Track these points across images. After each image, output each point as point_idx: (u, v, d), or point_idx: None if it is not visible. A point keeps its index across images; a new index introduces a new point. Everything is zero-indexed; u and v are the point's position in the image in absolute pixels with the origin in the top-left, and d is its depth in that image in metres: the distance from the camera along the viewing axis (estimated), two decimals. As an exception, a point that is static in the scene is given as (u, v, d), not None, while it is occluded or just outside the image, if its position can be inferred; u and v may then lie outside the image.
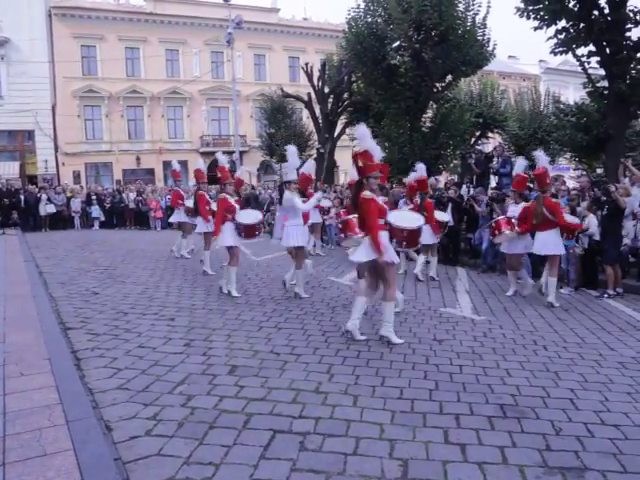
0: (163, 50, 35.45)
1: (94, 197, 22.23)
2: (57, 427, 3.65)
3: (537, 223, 8.04)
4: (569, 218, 8.45)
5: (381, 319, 6.05)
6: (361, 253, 5.99)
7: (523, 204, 8.66)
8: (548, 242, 7.98)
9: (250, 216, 8.64)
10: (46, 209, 20.74)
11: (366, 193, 5.88)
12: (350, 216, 7.40)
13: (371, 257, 5.81)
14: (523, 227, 8.42)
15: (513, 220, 8.65)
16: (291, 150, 8.46)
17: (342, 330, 6.18)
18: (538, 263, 9.93)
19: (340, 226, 7.40)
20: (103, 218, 22.05)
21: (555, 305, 7.91)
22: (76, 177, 32.48)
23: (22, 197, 21.15)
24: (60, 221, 21.30)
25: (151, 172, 35.11)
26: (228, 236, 8.35)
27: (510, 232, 8.53)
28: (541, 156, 8.28)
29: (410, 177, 10.31)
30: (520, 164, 9.07)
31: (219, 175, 8.74)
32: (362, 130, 5.97)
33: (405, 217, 7.66)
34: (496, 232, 8.87)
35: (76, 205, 21.76)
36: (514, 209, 8.91)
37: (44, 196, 21.01)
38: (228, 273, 8.48)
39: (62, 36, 32.08)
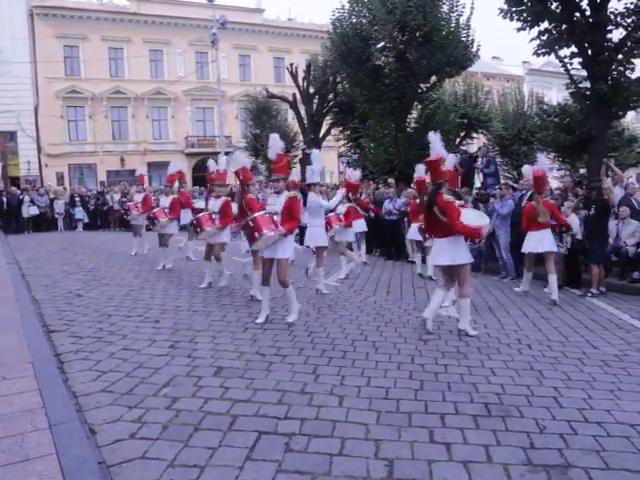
0: (147, 50, 35.23)
1: (78, 199, 22.04)
2: (40, 431, 3.61)
3: (542, 222, 8.21)
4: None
5: (459, 315, 6.61)
6: (444, 257, 6.43)
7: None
8: (542, 240, 8.20)
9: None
10: (29, 211, 20.53)
11: (448, 197, 6.41)
12: (257, 213, 6.88)
13: (455, 262, 6.37)
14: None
15: None
16: (315, 153, 8.63)
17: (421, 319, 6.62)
18: (519, 263, 10.02)
19: (250, 224, 6.70)
20: (87, 220, 21.87)
21: (557, 302, 8.04)
22: (59, 178, 32.16)
23: (4, 199, 20.88)
24: (43, 223, 21.13)
25: (135, 173, 34.80)
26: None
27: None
28: (541, 158, 8.64)
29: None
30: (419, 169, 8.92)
31: (242, 176, 8.07)
32: (434, 137, 6.40)
33: (472, 216, 7.61)
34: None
35: (59, 207, 21.59)
36: None
37: (27, 198, 20.80)
38: (252, 277, 8.27)
39: (44, 36, 31.72)
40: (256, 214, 6.81)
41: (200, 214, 9.16)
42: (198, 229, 8.96)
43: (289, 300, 6.96)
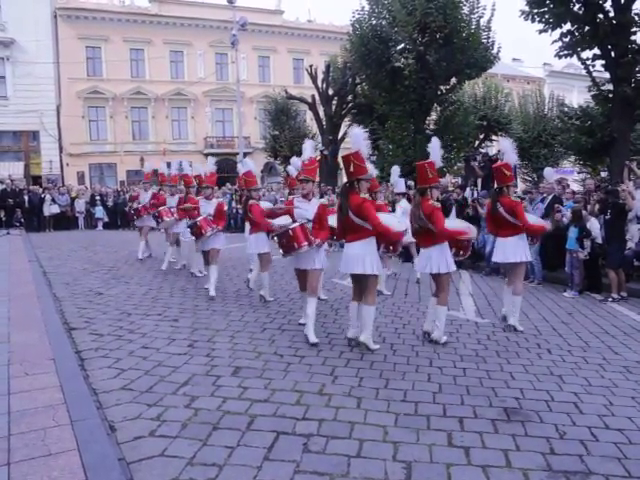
0: (167, 51, 35.54)
1: (98, 198, 22.30)
2: (61, 427, 3.65)
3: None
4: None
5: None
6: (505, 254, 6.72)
7: None
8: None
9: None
10: (50, 209, 20.82)
11: (515, 197, 6.84)
12: (296, 223, 6.06)
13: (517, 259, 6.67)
14: None
15: None
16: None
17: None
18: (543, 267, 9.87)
19: (290, 233, 5.92)
20: (107, 219, 22.10)
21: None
22: (80, 178, 32.56)
23: (26, 197, 21.18)
24: (64, 221, 21.40)
25: (155, 173, 35.10)
26: (260, 243, 8.04)
27: None
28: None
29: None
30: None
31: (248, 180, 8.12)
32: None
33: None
34: None
35: (80, 206, 21.85)
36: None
37: (48, 196, 21.11)
38: (261, 278, 8.16)
39: (67, 37, 32.17)
40: (296, 224, 6.02)
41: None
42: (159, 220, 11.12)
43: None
